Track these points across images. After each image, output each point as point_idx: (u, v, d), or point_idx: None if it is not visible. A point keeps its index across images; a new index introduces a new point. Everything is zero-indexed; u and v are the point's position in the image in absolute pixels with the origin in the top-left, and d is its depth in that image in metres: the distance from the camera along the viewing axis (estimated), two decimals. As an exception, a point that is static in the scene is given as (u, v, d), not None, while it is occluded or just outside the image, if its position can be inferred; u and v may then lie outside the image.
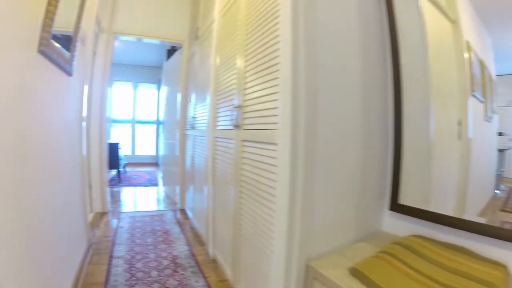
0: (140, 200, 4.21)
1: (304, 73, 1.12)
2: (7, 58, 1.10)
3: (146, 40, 3.66)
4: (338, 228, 1.33)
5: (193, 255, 2.42)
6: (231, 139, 1.77)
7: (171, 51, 4.84)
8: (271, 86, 1.30)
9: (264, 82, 1.37)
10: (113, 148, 5.06)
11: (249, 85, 1.55)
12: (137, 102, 7.97)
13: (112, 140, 6.71)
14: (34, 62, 1.34)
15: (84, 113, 2.43)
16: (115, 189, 4.80)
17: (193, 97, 3.04)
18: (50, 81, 1.57)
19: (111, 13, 3.42)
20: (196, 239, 2.76)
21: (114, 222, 3.17)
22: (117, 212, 3.52)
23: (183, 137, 3.56)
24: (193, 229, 3.03)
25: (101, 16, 3.30)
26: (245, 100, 1.59)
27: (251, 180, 1.50)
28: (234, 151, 1.71)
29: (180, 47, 3.83)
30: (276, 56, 1.26)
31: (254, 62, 1.49)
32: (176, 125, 3.76)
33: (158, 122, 7.74)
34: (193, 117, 2.92)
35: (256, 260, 1.47)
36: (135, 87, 7.89)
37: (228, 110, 1.84)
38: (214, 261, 2.30)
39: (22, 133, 1.23)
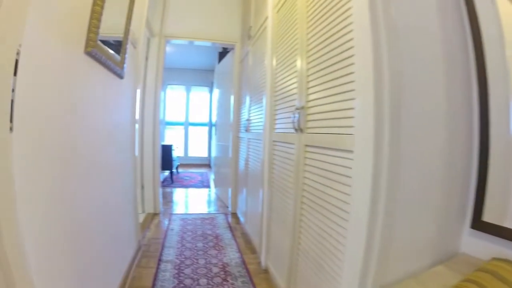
0: (192, 202, 4.22)
1: (386, 66, 0.93)
2: (53, 59, 1.05)
3: (197, 42, 3.66)
4: (415, 249, 1.11)
5: (244, 263, 2.29)
6: (291, 143, 1.61)
7: (223, 53, 4.83)
8: (343, 84, 1.11)
9: (333, 79, 1.19)
10: (167, 150, 5.18)
11: (313, 83, 1.38)
12: (190, 105, 8.17)
13: (166, 142, 6.94)
14: (81, 63, 1.31)
15: (137, 116, 2.42)
16: (168, 189, 4.90)
17: (247, 99, 2.93)
18: (100, 83, 1.54)
19: (162, 18, 3.46)
20: (247, 246, 2.63)
21: (165, 224, 3.17)
22: (168, 214, 3.54)
23: (237, 140, 3.48)
24: (244, 235, 2.91)
25: (152, 21, 3.35)
26: (308, 101, 1.42)
27: (315, 191, 1.32)
28: (295, 157, 1.54)
29: (232, 48, 3.76)
30: (348, 49, 1.07)
31: (318, 57, 1.32)
32: (229, 127, 3.69)
33: (210, 124, 7.85)
34: (247, 120, 2.81)
35: (317, 280, 1.30)
36: (188, 90, 8.10)
37: (288, 112, 1.69)
38: (266, 271, 2.16)
39: (69, 133, 1.19)
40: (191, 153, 8.25)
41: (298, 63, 1.55)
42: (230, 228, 3.10)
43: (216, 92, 4.95)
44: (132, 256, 2.18)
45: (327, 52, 1.23)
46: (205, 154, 8.25)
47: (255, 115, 2.53)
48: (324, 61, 1.26)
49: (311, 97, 1.38)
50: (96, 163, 1.52)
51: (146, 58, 3.42)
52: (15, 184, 0.77)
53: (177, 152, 6.13)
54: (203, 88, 8.15)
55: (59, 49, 1.08)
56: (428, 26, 1.05)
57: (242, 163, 3.11)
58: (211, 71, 7.60)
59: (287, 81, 1.73)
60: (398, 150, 0.94)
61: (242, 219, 3.17)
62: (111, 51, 1.68)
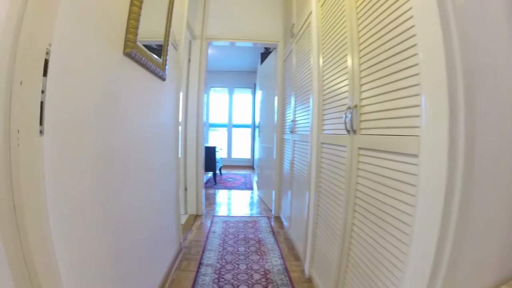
0: (234, 204, 4.18)
1: (459, 56, 0.77)
2: (88, 59, 1.03)
3: (238, 43, 3.62)
4: (481, 270, 0.92)
5: (286, 270, 2.18)
6: (342, 146, 1.47)
7: (265, 54, 4.76)
8: (403, 78, 0.97)
9: (390, 74, 1.05)
10: (210, 151, 5.23)
11: (366, 79, 1.24)
12: (233, 107, 8.23)
13: (210, 144, 7.04)
14: (120, 64, 1.29)
15: (180, 118, 2.42)
16: (211, 191, 4.93)
17: (292, 99, 2.81)
18: (141, 84, 1.53)
19: (202, 20, 3.47)
20: (290, 253, 2.50)
21: (207, 226, 3.15)
22: (210, 215, 3.53)
23: (281, 141, 3.37)
24: (288, 240, 2.79)
25: (193, 24, 3.37)
26: (362, 99, 1.28)
27: (370, 199, 1.18)
28: (347, 160, 1.40)
29: (275, 48, 3.67)
30: (409, 38, 0.93)
31: (372, 50, 1.19)
32: (273, 129, 3.60)
33: (253, 126, 7.83)
34: (293, 121, 2.69)
35: (371, 298, 1.13)
36: (231, 92, 8.16)
37: (338, 112, 1.55)
38: (309, 281, 2.03)
39: (108, 135, 1.17)
40: (235, 155, 8.30)
41: (349, 58, 1.41)
42: (273, 232, 2.99)
43: (259, 93, 4.89)
44: (172, 258, 2.17)
45: (382, 44, 1.10)
46: (248, 156, 8.24)
47: (301, 116, 2.40)
48: (379, 54, 1.12)
49: (365, 94, 1.24)
50: (137, 164, 1.52)
51: (189, 61, 3.45)
52: (45, 187, 0.73)
53: (220, 154, 6.18)
54: (246, 90, 8.16)
55: (96, 49, 1.06)
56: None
57: (287, 165, 2.99)
58: (254, 72, 7.59)
59: (336, 78, 1.60)
60: (473, 156, 0.77)
61: (285, 223, 3.05)
62: (149, 52, 1.67)
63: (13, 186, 0.62)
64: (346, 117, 1.35)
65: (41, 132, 0.72)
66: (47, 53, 0.75)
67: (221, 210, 3.79)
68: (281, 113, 3.42)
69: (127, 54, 1.35)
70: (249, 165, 8.15)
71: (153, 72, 1.70)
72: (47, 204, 0.72)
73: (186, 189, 3.47)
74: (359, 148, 1.27)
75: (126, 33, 1.34)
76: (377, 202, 1.12)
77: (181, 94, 3.26)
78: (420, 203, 0.86)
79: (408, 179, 0.93)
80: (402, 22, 0.96)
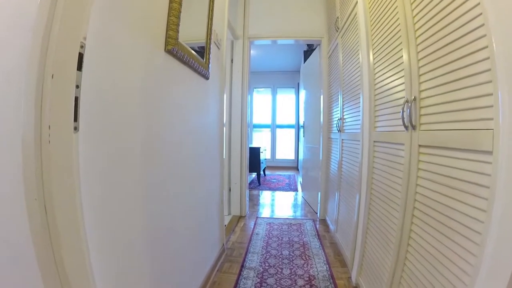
0: (278, 205, 4.10)
1: None
2: (132, 56, 1.02)
3: (280, 41, 3.54)
4: None
5: (332, 277, 2.05)
6: (399, 143, 1.32)
7: (308, 52, 4.63)
8: (470, 64, 0.83)
9: (454, 60, 0.91)
10: (255, 152, 5.20)
11: (426, 68, 1.09)
12: (276, 107, 8.15)
13: (254, 144, 7.04)
14: (161, 61, 1.28)
15: (225, 119, 2.40)
16: (254, 192, 4.89)
17: (339, 96, 2.67)
18: (183, 82, 1.52)
19: (244, 19, 3.45)
20: (337, 258, 2.36)
21: (250, 227, 3.10)
22: (254, 217, 3.48)
23: (328, 141, 3.23)
24: (334, 245, 2.64)
25: (235, 24, 3.36)
26: (422, 90, 1.13)
27: (433, 203, 1.04)
28: (405, 160, 1.25)
29: (318, 45, 3.53)
30: (475, 17, 0.80)
31: (432, 35, 1.04)
32: (319, 128, 3.46)
33: (297, 126, 7.69)
34: (340, 119, 2.55)
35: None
36: (274, 93, 8.10)
37: (393, 107, 1.41)
38: (356, 289, 1.88)
39: (150, 133, 1.16)
40: (278, 156, 8.21)
41: (403, 46, 1.27)
42: (318, 236, 2.86)
43: (302, 93, 4.76)
44: (215, 259, 2.14)
45: (443, 28, 0.96)
46: (292, 157, 8.11)
47: (350, 113, 2.26)
48: (439, 39, 0.99)
49: (425, 85, 1.10)
50: (181, 165, 1.50)
51: (232, 61, 3.45)
52: (80, 186, 0.71)
53: (264, 155, 6.13)
54: (289, 90, 8.05)
55: (136, 45, 1.04)
56: None
57: (334, 165, 2.84)
58: (297, 72, 7.45)
59: (389, 69, 1.45)
60: None
61: (332, 227, 2.89)
62: (191, 49, 1.65)
63: (44, 186, 0.59)
64: (403, 111, 1.21)
65: (75, 128, 0.70)
66: (81, 47, 0.73)
67: (265, 212, 3.73)
68: (327, 111, 3.27)
69: (169, 52, 1.33)
70: (293, 166, 8.01)
71: (196, 70, 1.69)
72: (82, 205, 0.69)
73: (230, 190, 3.46)
74: (420, 146, 1.12)
75: (167, 30, 1.32)
76: (441, 207, 0.97)
77: (224, 94, 3.27)
78: (495, 208, 0.71)
79: (479, 180, 0.79)
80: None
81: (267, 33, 3.47)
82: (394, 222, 1.34)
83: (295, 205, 4.09)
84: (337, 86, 2.77)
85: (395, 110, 1.36)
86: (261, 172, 6.33)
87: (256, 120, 8.29)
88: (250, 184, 5.51)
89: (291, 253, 2.45)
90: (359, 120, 1.94)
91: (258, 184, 5.43)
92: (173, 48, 1.33)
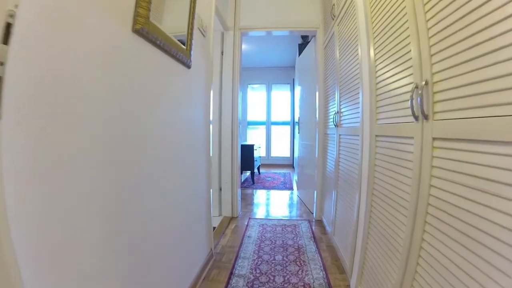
0: (273, 205, 3.91)
1: None
2: (91, 34, 0.84)
3: (274, 32, 3.34)
4: None
5: (329, 285, 1.88)
6: (407, 137, 1.13)
7: (303, 45, 4.44)
8: (496, 36, 0.66)
9: (476, 33, 0.73)
10: (248, 150, 5.02)
11: (440, 46, 0.90)
12: (271, 103, 7.96)
13: (248, 142, 6.86)
14: (129, 43, 1.08)
15: (214, 115, 2.21)
16: (248, 191, 4.71)
17: (335, 89, 2.48)
18: (157, 69, 1.32)
19: (235, 10, 3.25)
20: (334, 264, 2.19)
21: (242, 229, 2.92)
22: (246, 218, 3.29)
23: (324, 137, 3.04)
24: (331, 248, 2.46)
25: (225, 15, 3.16)
26: (435, 73, 0.95)
27: (453, 209, 0.85)
28: (414, 156, 1.06)
29: (314, 36, 3.34)
30: None
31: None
32: (315, 125, 3.28)
33: (293, 123, 7.50)
34: (337, 112, 2.36)
35: None
36: (269, 89, 7.90)
37: (399, 95, 1.22)
38: (359, 300, 1.70)
39: (118, 128, 0.97)
40: (274, 153, 8.03)
41: (410, 16, 1.07)
42: (314, 238, 2.68)
43: (298, 88, 4.57)
44: (201, 266, 1.96)
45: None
46: (288, 154, 7.93)
47: (348, 106, 2.07)
48: (458, 7, 0.78)
49: (439, 66, 0.91)
50: (159, 164, 1.32)
51: (222, 53, 3.25)
52: (5, 191, 0.53)
53: (258, 152, 5.95)
54: (284, 86, 7.85)
55: (93, 20, 0.86)
56: None
57: (331, 163, 2.66)
58: (292, 67, 7.27)
59: (393, 46, 1.26)
60: None
61: (328, 228, 2.72)
62: (173, 38, 1.46)
63: None
64: (412, 99, 1.02)
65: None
66: (11, 16, 0.57)
67: (258, 212, 3.54)
68: (323, 105, 3.09)
69: (138, 32, 1.14)
70: (289, 164, 7.83)
71: (174, 56, 1.49)
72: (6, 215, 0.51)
73: (221, 190, 3.27)
74: (434, 139, 0.94)
75: (136, 7, 1.13)
76: (462, 213, 0.79)
77: (212, 87, 3.07)
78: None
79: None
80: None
81: (260, 24, 3.28)
82: (401, 229, 1.16)
83: (290, 205, 3.91)
84: (333, 78, 2.59)
85: (401, 98, 1.18)
86: (256, 171, 6.15)
87: (251, 117, 8.10)
88: (243, 183, 5.33)
89: (284, 258, 2.27)
90: (359, 113, 1.75)
91: (252, 182, 5.25)
92: (142, 28, 1.14)
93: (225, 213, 3.29)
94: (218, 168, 3.21)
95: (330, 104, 2.75)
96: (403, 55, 1.17)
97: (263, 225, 3.04)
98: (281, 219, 3.24)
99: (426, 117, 0.97)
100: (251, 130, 8.13)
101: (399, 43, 1.20)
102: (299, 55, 4.48)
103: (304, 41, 4.49)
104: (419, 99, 0.98)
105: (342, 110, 2.23)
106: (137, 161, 1.12)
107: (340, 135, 2.27)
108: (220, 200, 3.28)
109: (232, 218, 3.26)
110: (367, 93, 1.58)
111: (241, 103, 7.91)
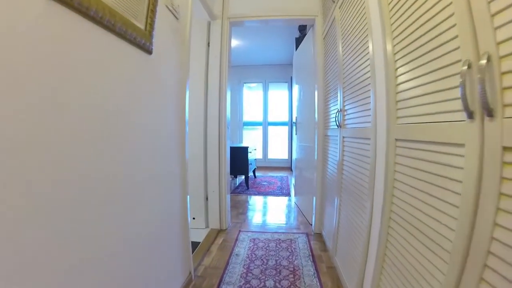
0: (267, 214, 3.52)
1: None
2: None
3: (268, 20, 2.95)
4: None
5: (333, 323, 1.49)
6: (453, 145, 0.75)
7: (300, 38, 4.08)
8: None
9: None
10: (242, 153, 4.66)
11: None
12: (268, 103, 7.58)
13: (244, 143, 6.51)
14: (43, 13, 0.72)
15: (186, 113, 1.83)
16: (242, 197, 4.33)
17: (337, 83, 2.11)
18: (91, 50, 0.95)
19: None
20: (338, 292, 1.81)
21: (230, 245, 2.55)
22: (236, 230, 2.92)
23: (324, 139, 2.67)
24: (332, 269, 2.10)
25: (211, 2, 2.78)
26: (500, 42, 0.59)
27: None
28: (467, 175, 0.68)
29: (312, 25, 2.97)
30: None
31: None
32: (313, 125, 2.91)
33: (291, 124, 7.12)
34: (340, 111, 1.99)
35: None
36: (266, 87, 7.53)
37: (436, 81, 0.83)
38: None
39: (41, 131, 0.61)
40: (271, 155, 7.65)
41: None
42: (313, 257, 2.31)
43: (295, 87, 4.20)
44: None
45: None
46: (286, 156, 7.55)
47: (354, 101, 1.69)
48: None
49: (508, 31, 0.54)
50: (106, 180, 0.95)
51: (208, 44, 2.87)
52: None
53: (254, 155, 5.58)
54: (282, 85, 7.47)
55: None
56: None
57: (332, 168, 2.28)
58: (289, 65, 6.90)
59: (426, 10, 0.88)
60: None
61: (329, 244, 2.35)
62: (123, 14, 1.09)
63: None
64: (463, 87, 0.65)
65: None
66: None
67: (251, 223, 3.17)
68: (323, 104, 2.72)
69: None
70: (287, 167, 7.46)
71: (123, 37, 1.12)
72: None
73: (207, 199, 2.90)
74: (506, 149, 0.57)
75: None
76: None
77: (195, 82, 2.69)
78: None
79: None
80: None
81: (251, 12, 2.90)
82: (437, 278, 0.79)
83: (286, 214, 3.53)
84: (334, 71, 2.22)
85: (441, 85, 0.80)
86: (251, 174, 5.78)
87: (246, 117, 7.73)
88: (237, 188, 4.95)
89: (277, 283, 1.90)
90: (369, 110, 1.38)
91: (246, 187, 4.87)
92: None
93: (213, 225, 2.92)
94: (203, 175, 2.84)
95: (331, 102, 2.38)
96: (436, 12, 0.80)
97: (254, 239, 2.66)
98: (275, 232, 2.86)
99: (490, 112, 0.60)
100: (248, 130, 7.76)
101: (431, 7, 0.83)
102: (296, 48, 4.11)
103: (302, 34, 4.12)
104: (480, 88, 0.61)
105: (346, 108, 1.86)
106: (69, 172, 0.75)
107: (344, 137, 1.89)
108: (207, 210, 2.91)
109: (220, 231, 2.89)
110: (382, 81, 1.21)
111: (237, 103, 7.59)
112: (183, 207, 1.80)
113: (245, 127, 7.74)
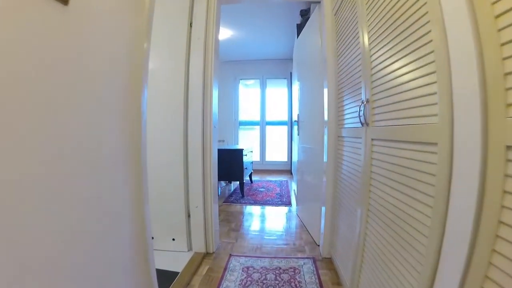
0: (264, 231, 2.94)
1: None
2: None
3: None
4: None
5: None
6: None
7: (302, 24, 3.54)
8: None
9: None
10: (236, 156, 4.11)
11: None
12: (266, 101, 7.02)
13: (240, 144, 5.98)
14: None
15: (142, 103, 1.28)
16: (236, 207, 3.78)
17: (355, 68, 1.55)
18: None
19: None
20: None
21: (217, 277, 1.99)
22: (226, 254, 2.36)
23: (336, 140, 2.11)
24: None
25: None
26: None
27: None
28: None
29: (318, 2, 2.43)
30: None
31: None
32: (319, 124, 2.36)
33: (291, 123, 6.56)
34: (365, 102, 1.40)
35: None
36: (264, 84, 6.97)
37: None
38: None
39: None
40: (269, 157, 7.09)
41: None
42: (325, 295, 1.76)
43: (296, 84, 3.64)
44: None
45: None
46: (285, 158, 6.99)
47: (387, 96, 1.13)
48: None
49: None
50: None
51: (191, 25, 2.32)
52: None
53: (250, 157, 5.03)
54: (281, 82, 6.91)
55: None
56: None
57: (349, 172, 1.73)
58: (289, 60, 6.35)
59: None
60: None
61: (345, 275, 1.80)
62: None
63: None
64: None
65: None
66: None
67: (244, 244, 2.60)
68: (334, 95, 2.14)
69: None
70: (286, 170, 6.90)
71: None
72: None
73: (189, 217, 2.34)
74: None
75: None
76: None
77: (170, 68, 2.14)
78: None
79: None
80: None
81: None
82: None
83: (287, 230, 2.97)
84: (352, 50, 1.67)
85: None
86: (247, 178, 5.24)
87: (243, 116, 7.18)
88: (231, 195, 4.39)
89: None
90: (434, 91, 0.83)
91: (241, 195, 4.31)
92: None
93: (197, 248, 2.36)
94: (184, 187, 2.28)
95: (346, 95, 1.82)
96: None
97: (248, 268, 2.11)
98: (275, 257, 2.31)
99: None
100: (244, 131, 7.20)
101: None
102: (297, 36, 3.56)
103: (304, 19, 3.57)
104: None
105: (375, 98, 1.30)
106: None
107: (373, 139, 1.33)
108: (189, 229, 2.35)
109: (206, 256, 2.33)
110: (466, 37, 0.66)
111: (233, 101, 7.02)
112: (141, 241, 1.24)
113: (241, 127, 7.18)
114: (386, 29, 1.16)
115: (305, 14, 3.66)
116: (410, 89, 0.97)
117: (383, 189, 1.20)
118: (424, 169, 0.89)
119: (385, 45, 1.18)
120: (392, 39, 1.11)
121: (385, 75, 1.17)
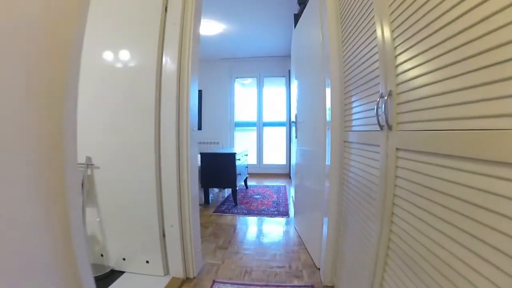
0: (256, 251, 2.53)
1: None
2: None
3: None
4: None
5: None
6: None
7: (300, 14, 3.16)
8: None
9: None
10: (228, 161, 3.74)
11: None
12: (263, 101, 6.64)
13: (236, 148, 5.61)
14: None
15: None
16: (226, 218, 3.38)
17: (367, 55, 1.18)
18: None
19: None
20: None
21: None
22: (209, 280, 1.98)
23: (342, 145, 1.70)
24: None
25: None
26: None
27: None
28: None
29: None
30: None
31: None
32: (322, 125, 1.96)
33: (289, 124, 6.17)
34: (386, 96, 1.00)
35: None
36: (260, 83, 6.59)
37: None
38: None
39: None
40: (266, 160, 6.71)
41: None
42: None
43: (295, 79, 3.26)
44: None
45: None
46: (283, 161, 6.61)
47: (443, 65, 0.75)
48: None
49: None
50: None
51: (166, 9, 1.94)
52: None
53: (245, 161, 4.65)
54: (279, 80, 6.53)
55: None
56: None
57: (357, 177, 1.34)
58: (287, 57, 5.98)
59: None
60: None
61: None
62: None
63: None
64: None
65: None
66: None
67: (232, 267, 2.21)
68: (339, 91, 1.75)
69: None
70: (285, 173, 6.51)
71: None
72: None
73: (164, 236, 1.95)
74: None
75: None
76: None
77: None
78: None
79: None
80: None
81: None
82: None
83: (283, 247, 2.58)
84: (363, 32, 1.29)
85: None
86: (242, 183, 4.86)
87: (239, 117, 6.80)
88: (223, 203, 4.01)
89: None
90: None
91: (234, 204, 3.93)
92: None
93: (175, 272, 1.98)
94: (156, 202, 1.89)
95: (355, 91, 1.44)
96: None
97: (234, 301, 1.72)
98: (266, 286, 1.92)
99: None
100: (240, 132, 6.82)
101: None
102: (295, 26, 3.18)
103: (302, 7, 3.20)
104: None
105: (402, 90, 0.91)
106: None
107: (398, 149, 0.94)
108: (165, 250, 1.97)
109: (184, 282, 1.95)
110: None
111: (228, 101, 6.62)
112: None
113: (237, 128, 6.80)
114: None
115: (302, 2, 3.28)
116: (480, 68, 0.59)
117: (415, 225, 0.82)
118: (497, 208, 0.51)
119: None
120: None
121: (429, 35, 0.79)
